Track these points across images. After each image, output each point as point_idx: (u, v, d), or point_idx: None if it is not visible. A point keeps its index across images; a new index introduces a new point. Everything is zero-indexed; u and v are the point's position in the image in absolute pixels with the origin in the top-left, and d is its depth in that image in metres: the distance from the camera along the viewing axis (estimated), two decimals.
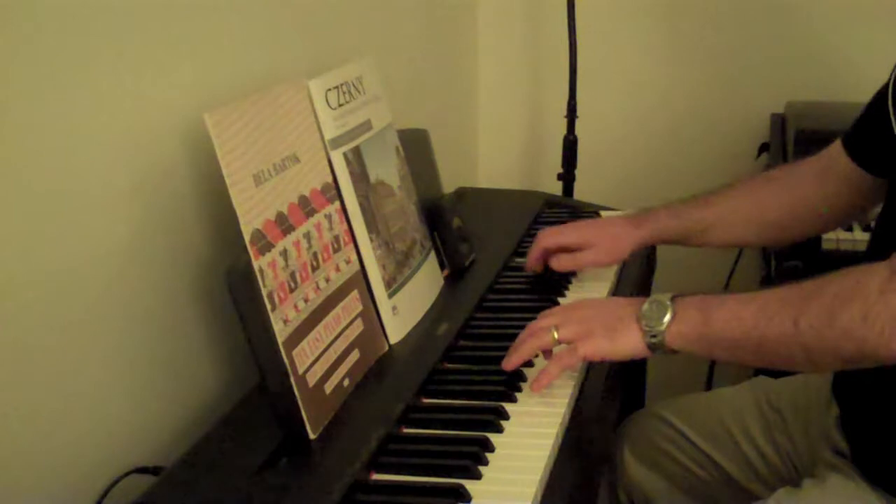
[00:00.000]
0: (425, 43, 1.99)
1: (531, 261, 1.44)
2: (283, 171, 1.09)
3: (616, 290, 1.44)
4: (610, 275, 1.47)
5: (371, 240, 1.22)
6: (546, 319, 1.15)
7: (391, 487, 0.98)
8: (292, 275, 1.06)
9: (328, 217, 1.16)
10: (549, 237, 1.44)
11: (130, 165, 1.07)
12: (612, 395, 1.21)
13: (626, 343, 1.10)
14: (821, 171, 1.35)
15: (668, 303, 1.09)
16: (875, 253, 1.21)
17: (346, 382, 1.12)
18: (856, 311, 0.97)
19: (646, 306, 1.10)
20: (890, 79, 1.22)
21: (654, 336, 1.09)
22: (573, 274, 1.47)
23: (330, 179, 1.19)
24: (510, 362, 1.14)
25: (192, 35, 1.17)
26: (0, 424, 0.93)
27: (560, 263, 1.42)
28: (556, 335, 1.13)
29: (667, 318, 1.08)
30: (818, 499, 1.18)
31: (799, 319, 1.00)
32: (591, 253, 1.41)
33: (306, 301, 1.08)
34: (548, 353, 1.17)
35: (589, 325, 1.12)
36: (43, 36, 0.94)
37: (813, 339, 1.00)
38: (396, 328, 1.25)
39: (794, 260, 1.68)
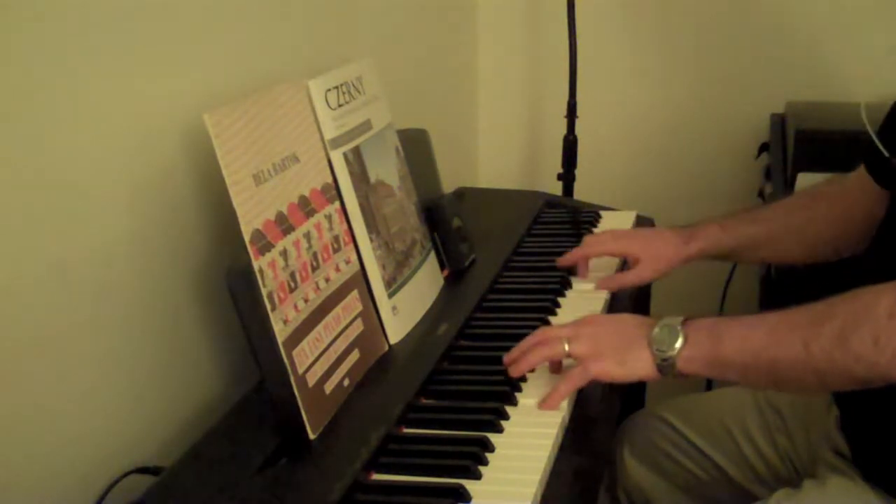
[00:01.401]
0: (425, 43, 1.99)
1: (568, 261, 1.44)
2: (282, 171, 1.09)
3: (615, 291, 1.44)
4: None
5: (371, 240, 1.22)
6: (558, 330, 1.15)
7: (391, 487, 0.98)
8: (292, 275, 1.06)
9: (328, 217, 1.16)
10: (595, 246, 1.44)
11: (130, 165, 1.07)
12: (612, 395, 1.21)
13: (637, 366, 1.10)
14: (863, 187, 1.33)
15: (679, 328, 1.09)
16: (874, 259, 1.21)
17: (346, 382, 1.12)
18: (866, 335, 0.98)
19: (657, 330, 1.10)
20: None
21: (665, 360, 1.09)
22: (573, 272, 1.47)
23: (330, 179, 1.19)
24: (518, 369, 1.14)
25: (192, 35, 1.17)
26: (0, 424, 0.93)
27: (604, 284, 1.42)
28: (566, 347, 1.12)
29: (678, 343, 1.08)
30: (818, 500, 1.17)
31: (810, 344, 1.01)
32: (633, 273, 1.41)
33: (306, 301, 1.08)
34: (553, 363, 1.17)
35: (600, 344, 1.12)
36: (43, 36, 0.94)
37: (824, 363, 1.00)
38: (396, 328, 1.25)
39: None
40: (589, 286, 1.43)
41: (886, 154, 1.22)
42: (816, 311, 1.03)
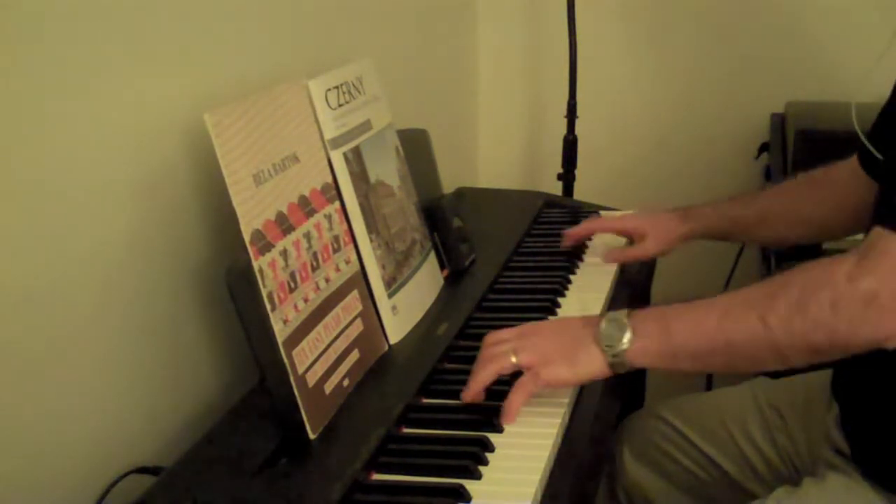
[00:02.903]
0: (425, 43, 1.99)
1: (572, 237, 1.52)
2: (283, 171, 1.09)
3: (615, 291, 1.45)
4: (609, 276, 1.47)
5: (371, 240, 1.22)
6: (503, 344, 1.12)
7: (391, 487, 0.98)
8: (292, 275, 1.06)
9: (328, 217, 1.16)
10: (601, 224, 1.51)
11: (130, 165, 1.07)
12: (612, 395, 1.21)
13: (587, 366, 1.08)
14: (854, 176, 1.35)
15: (626, 320, 1.07)
16: None
17: (346, 382, 1.12)
18: (824, 299, 0.97)
19: (603, 325, 1.08)
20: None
21: (615, 355, 1.07)
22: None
23: (330, 179, 1.19)
24: (469, 393, 1.10)
25: (192, 35, 1.17)
26: (0, 424, 0.93)
27: (612, 257, 1.48)
28: (514, 360, 1.09)
29: (626, 335, 1.06)
30: (818, 497, 1.18)
31: (767, 316, 1.00)
32: (641, 247, 1.47)
33: (306, 301, 1.08)
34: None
35: (547, 350, 1.09)
36: (44, 36, 0.94)
37: (782, 335, 0.99)
38: (396, 328, 1.25)
39: (794, 260, 1.67)
40: (598, 260, 1.50)
41: (879, 157, 1.23)
42: (771, 284, 1.03)
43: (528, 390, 1.08)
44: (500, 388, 1.13)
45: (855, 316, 0.96)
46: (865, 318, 0.96)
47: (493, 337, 1.13)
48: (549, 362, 1.08)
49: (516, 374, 1.10)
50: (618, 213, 1.52)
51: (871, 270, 0.96)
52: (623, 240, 1.56)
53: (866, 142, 1.28)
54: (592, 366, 1.08)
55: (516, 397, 1.07)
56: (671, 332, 1.06)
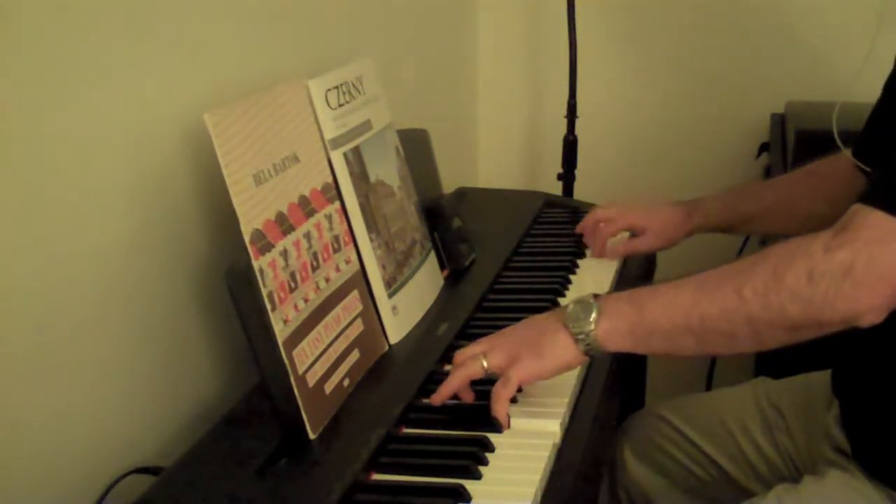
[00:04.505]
0: (425, 43, 1.99)
1: (581, 232, 1.58)
2: (283, 171, 1.09)
3: (616, 289, 1.45)
4: (610, 276, 1.47)
5: (371, 240, 1.22)
6: (473, 347, 1.11)
7: (391, 487, 0.98)
8: (292, 275, 1.06)
9: (328, 217, 1.16)
10: (609, 227, 1.53)
11: (130, 165, 1.07)
12: (612, 395, 1.21)
13: (558, 354, 1.07)
14: (852, 169, 1.36)
15: (592, 300, 1.06)
16: None
17: (346, 382, 1.12)
18: (801, 270, 0.97)
19: (570, 308, 1.07)
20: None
21: (585, 337, 1.05)
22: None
23: (330, 179, 1.19)
24: (438, 396, 1.10)
25: (192, 35, 1.17)
26: (0, 425, 0.93)
27: (616, 251, 1.53)
28: (485, 363, 1.09)
29: (593, 315, 1.05)
30: (817, 494, 1.18)
31: (742, 288, 0.99)
32: (644, 240, 1.52)
33: (306, 301, 1.08)
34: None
35: (515, 348, 1.08)
36: (43, 36, 0.94)
37: (758, 307, 0.98)
38: (396, 328, 1.25)
39: None
40: (599, 259, 1.55)
41: (865, 168, 1.24)
42: (746, 260, 1.02)
43: (504, 395, 1.07)
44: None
45: (831, 287, 0.95)
46: (841, 291, 0.96)
47: (464, 348, 1.13)
48: (516, 360, 1.07)
49: None
50: (621, 208, 1.56)
51: (848, 242, 0.96)
52: (626, 233, 1.58)
53: (849, 153, 1.30)
54: (563, 353, 1.07)
55: (497, 406, 1.07)
56: (644, 309, 1.04)
